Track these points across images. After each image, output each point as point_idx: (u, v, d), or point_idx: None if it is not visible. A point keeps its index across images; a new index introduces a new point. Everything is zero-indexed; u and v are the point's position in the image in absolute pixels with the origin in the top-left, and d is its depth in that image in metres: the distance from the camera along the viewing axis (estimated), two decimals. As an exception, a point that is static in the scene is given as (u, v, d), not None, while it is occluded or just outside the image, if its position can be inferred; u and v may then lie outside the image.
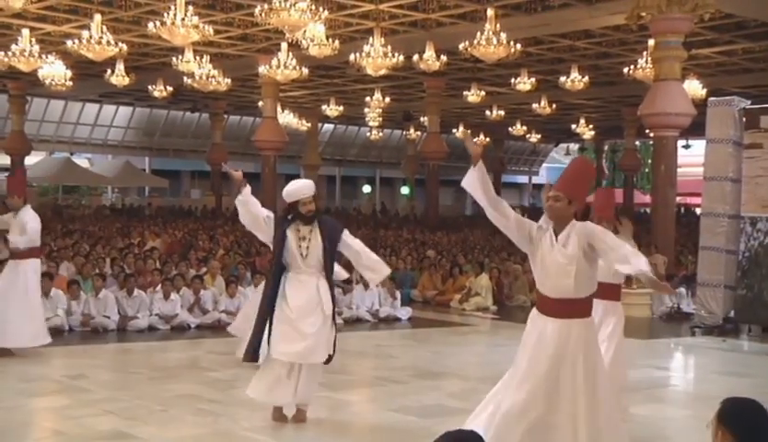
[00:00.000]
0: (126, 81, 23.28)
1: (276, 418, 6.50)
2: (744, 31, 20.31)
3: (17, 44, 19.98)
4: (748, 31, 20.27)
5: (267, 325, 6.39)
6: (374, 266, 6.69)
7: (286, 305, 6.37)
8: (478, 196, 4.81)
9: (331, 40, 18.42)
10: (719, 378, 9.27)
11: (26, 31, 20.05)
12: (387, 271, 6.90)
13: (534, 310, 4.87)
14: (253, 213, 6.60)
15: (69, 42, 18.42)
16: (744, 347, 11.45)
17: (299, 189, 6.49)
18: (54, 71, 22.88)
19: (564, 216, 4.76)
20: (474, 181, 4.78)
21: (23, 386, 7.90)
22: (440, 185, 30.42)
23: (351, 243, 6.60)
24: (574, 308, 4.74)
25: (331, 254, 6.55)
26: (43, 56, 20.37)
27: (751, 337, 11.82)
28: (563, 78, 23.95)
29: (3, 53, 20.49)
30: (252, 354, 6.50)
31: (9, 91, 31.25)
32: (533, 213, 33.20)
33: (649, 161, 37.39)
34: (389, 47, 18.80)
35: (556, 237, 4.75)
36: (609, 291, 6.08)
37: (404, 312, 13.34)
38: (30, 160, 34.20)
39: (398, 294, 13.59)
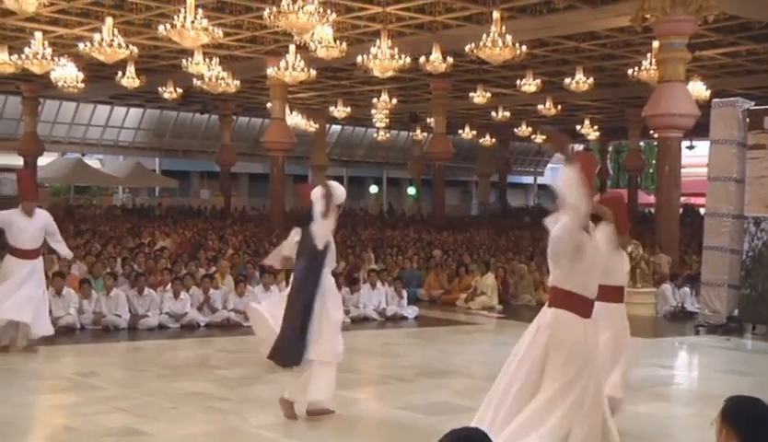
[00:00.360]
0: (137, 83, 23.46)
1: (288, 415, 6.54)
2: (748, 33, 20.34)
3: (30, 47, 20.23)
4: (752, 33, 20.29)
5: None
6: None
7: (335, 306, 6.63)
8: (575, 195, 4.40)
9: (338, 42, 18.56)
10: (723, 376, 9.32)
11: (39, 34, 20.29)
12: None
13: (571, 315, 4.67)
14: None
15: (81, 45, 18.62)
16: (748, 346, 11.52)
17: (344, 191, 6.90)
18: (66, 73, 23.10)
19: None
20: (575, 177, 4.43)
21: (35, 383, 8.04)
22: (446, 185, 30.50)
23: None
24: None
25: None
26: (56, 59, 20.61)
27: (755, 336, 11.89)
28: (568, 80, 24.04)
29: (16, 56, 20.74)
30: (299, 358, 6.42)
31: (22, 93, 31.50)
32: (538, 213, 33.18)
33: (653, 162, 37.38)
34: (396, 49, 18.91)
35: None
36: (612, 293, 6.07)
37: (411, 311, 13.44)
38: (43, 161, 34.45)
39: (404, 293, 13.68)
